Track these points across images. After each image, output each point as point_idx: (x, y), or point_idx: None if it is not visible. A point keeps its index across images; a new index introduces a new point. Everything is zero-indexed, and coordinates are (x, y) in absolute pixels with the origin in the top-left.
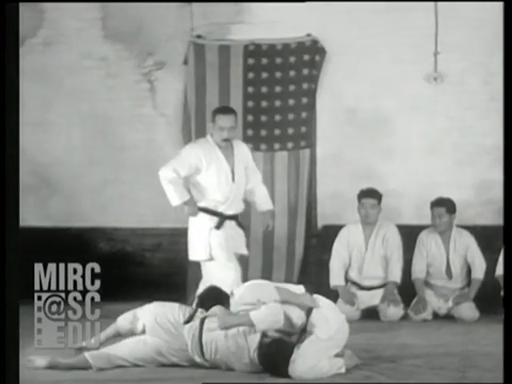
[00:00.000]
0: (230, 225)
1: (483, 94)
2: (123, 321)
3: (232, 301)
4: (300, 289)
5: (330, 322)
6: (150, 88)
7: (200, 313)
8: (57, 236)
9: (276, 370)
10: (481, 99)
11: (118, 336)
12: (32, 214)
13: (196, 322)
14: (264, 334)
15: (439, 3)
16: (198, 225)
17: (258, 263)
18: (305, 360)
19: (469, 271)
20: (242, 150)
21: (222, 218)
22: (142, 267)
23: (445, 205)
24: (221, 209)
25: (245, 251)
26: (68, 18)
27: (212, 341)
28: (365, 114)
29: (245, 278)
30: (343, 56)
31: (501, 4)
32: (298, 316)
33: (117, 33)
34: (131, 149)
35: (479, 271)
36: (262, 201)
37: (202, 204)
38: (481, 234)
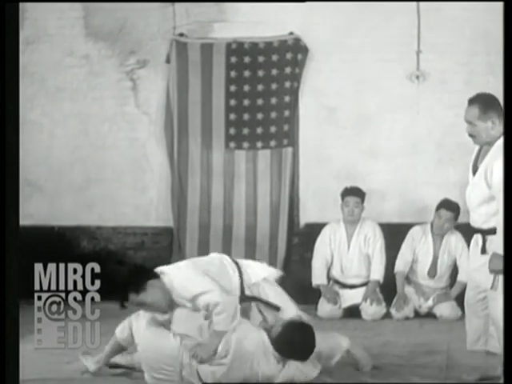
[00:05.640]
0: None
1: (465, 93)
2: (121, 333)
3: None
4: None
5: None
6: (133, 86)
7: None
8: (39, 235)
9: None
10: (463, 98)
11: (122, 350)
12: None
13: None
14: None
15: (421, 3)
16: None
17: None
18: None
19: (453, 272)
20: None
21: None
22: (125, 266)
23: (453, 210)
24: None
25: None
26: (50, 16)
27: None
28: (347, 113)
29: None
30: (326, 54)
31: (482, 4)
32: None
33: (99, 31)
34: (114, 147)
35: (466, 275)
36: None
37: None
38: (462, 232)
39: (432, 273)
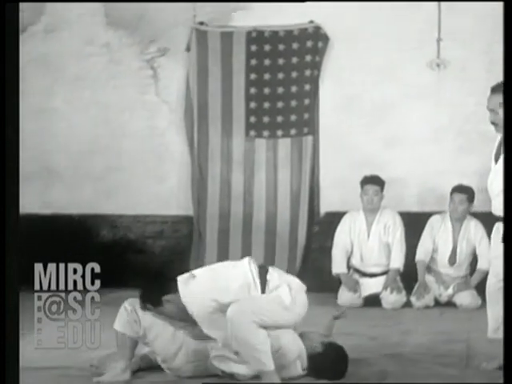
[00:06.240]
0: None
1: (485, 80)
2: (126, 326)
3: None
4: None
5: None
6: (153, 75)
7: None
8: (59, 223)
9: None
10: (483, 86)
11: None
12: (33, 201)
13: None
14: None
15: None
16: None
17: (260, 250)
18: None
19: (473, 261)
20: None
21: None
22: (144, 254)
23: (466, 192)
24: None
25: None
26: (70, 4)
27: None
28: (368, 101)
29: None
30: (346, 43)
31: None
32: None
33: (119, 19)
34: (133, 136)
35: (486, 263)
36: None
37: None
38: (483, 221)
39: (452, 261)
